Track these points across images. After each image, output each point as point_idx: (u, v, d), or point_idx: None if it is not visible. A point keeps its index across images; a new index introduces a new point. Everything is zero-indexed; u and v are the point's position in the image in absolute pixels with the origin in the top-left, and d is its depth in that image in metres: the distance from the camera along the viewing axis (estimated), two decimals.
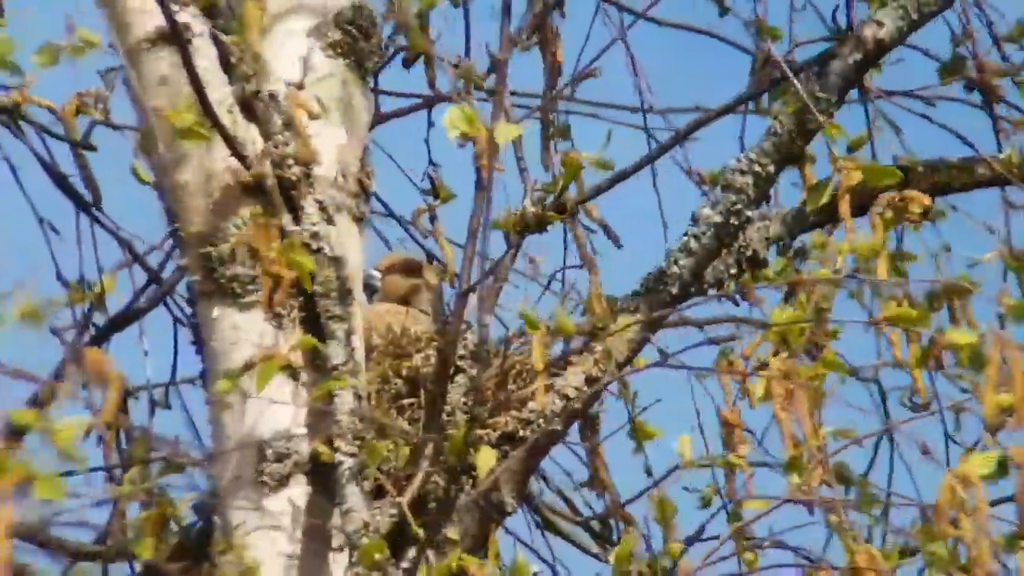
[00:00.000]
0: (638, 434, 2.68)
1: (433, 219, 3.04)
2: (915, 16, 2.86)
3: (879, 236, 2.69)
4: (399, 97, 3.08)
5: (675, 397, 2.84)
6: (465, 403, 2.67)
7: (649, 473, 2.76)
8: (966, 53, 3.00)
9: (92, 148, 2.87)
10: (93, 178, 2.91)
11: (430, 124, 3.12)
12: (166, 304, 3.00)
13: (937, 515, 2.41)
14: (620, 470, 2.85)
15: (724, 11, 3.11)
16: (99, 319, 2.92)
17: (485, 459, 2.56)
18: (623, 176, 2.95)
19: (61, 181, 2.90)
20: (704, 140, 3.02)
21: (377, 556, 2.39)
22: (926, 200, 2.71)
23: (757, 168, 2.86)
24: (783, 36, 3.04)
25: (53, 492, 2.26)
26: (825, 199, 2.76)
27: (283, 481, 2.59)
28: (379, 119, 3.03)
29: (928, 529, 2.42)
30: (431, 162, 3.09)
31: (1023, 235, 2.95)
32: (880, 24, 2.88)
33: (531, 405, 2.72)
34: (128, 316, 2.93)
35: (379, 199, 3.04)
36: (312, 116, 2.59)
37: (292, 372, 2.59)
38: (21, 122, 2.86)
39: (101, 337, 2.91)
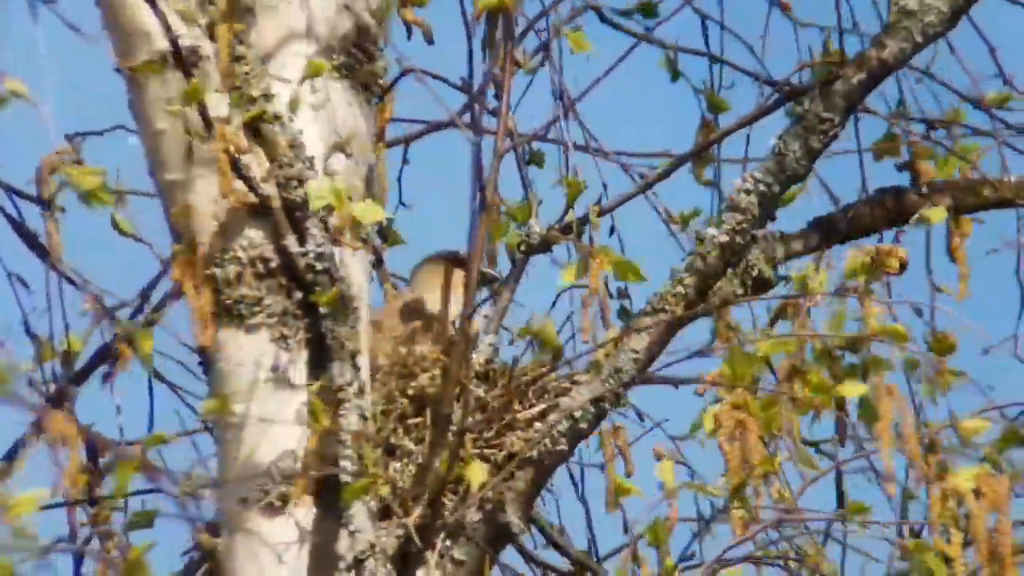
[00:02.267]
0: (616, 491, 2.61)
1: (379, 264, 3.00)
2: (919, 38, 2.82)
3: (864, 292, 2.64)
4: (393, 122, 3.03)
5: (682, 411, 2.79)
6: (471, 422, 2.61)
7: (626, 529, 2.69)
8: (899, 132, 2.96)
9: (59, 208, 2.84)
10: (54, 234, 2.86)
11: (404, 162, 3.08)
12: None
13: (932, 528, 2.35)
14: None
15: (676, 77, 3.08)
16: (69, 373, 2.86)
17: (476, 474, 2.49)
18: (628, 197, 2.92)
19: (30, 239, 2.86)
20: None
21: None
22: (902, 253, 2.68)
23: (762, 188, 2.82)
24: (730, 108, 3.02)
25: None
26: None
27: (290, 503, 2.53)
28: None
29: (921, 544, 2.36)
30: (401, 202, 3.05)
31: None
32: (884, 45, 2.83)
33: (537, 425, 2.66)
34: (90, 368, 2.88)
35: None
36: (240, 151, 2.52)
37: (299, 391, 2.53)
38: None
39: (63, 394, 2.85)
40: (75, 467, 2.25)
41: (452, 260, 2.80)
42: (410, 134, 3.07)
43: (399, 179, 3.10)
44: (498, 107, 2.64)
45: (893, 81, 3.00)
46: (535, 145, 2.98)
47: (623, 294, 2.83)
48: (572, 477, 2.96)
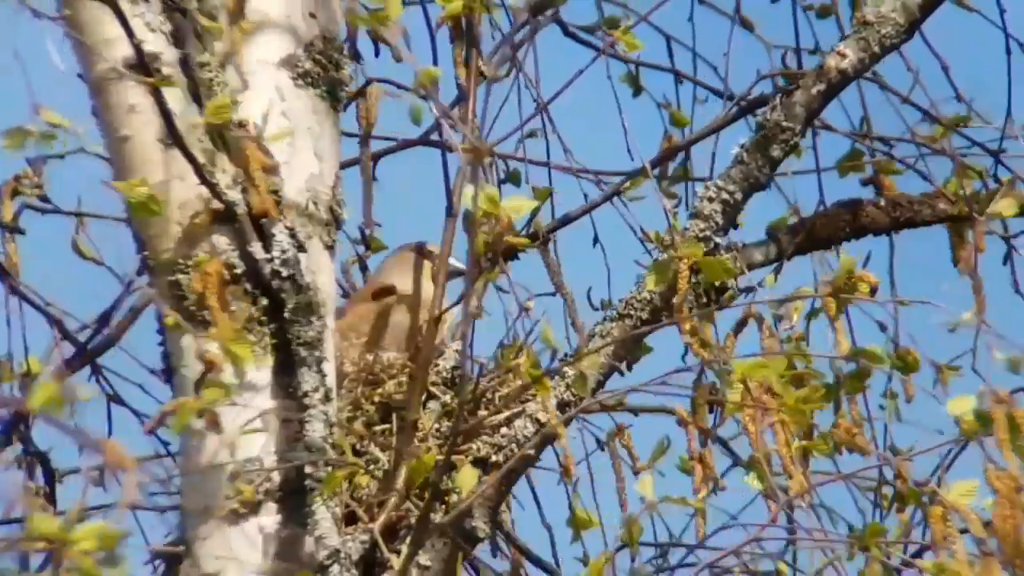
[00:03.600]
0: (575, 522, 2.59)
1: (364, 269, 2.98)
2: (876, 48, 2.83)
3: (836, 319, 2.63)
4: (349, 137, 3.01)
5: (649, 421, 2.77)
6: (438, 429, 2.58)
7: (585, 563, 2.66)
8: (863, 148, 2.97)
9: (20, 231, 2.79)
10: (14, 256, 2.82)
11: (373, 179, 3.05)
12: (98, 380, 2.90)
13: (935, 544, 2.33)
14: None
15: (638, 91, 3.07)
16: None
17: (466, 479, 2.46)
18: (593, 206, 2.91)
19: None
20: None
21: None
22: (873, 279, 2.68)
23: (725, 196, 2.81)
24: (690, 123, 3.04)
25: None
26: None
27: (254, 509, 2.49)
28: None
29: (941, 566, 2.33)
30: (364, 218, 3.03)
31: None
32: (843, 55, 2.84)
33: (503, 431, 2.63)
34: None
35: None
36: (266, 169, 2.50)
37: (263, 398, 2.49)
38: None
39: (21, 415, 2.80)
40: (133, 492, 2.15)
41: (421, 251, 2.77)
42: (378, 151, 3.05)
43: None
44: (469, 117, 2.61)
45: (853, 92, 3.01)
46: (511, 163, 2.97)
47: (605, 305, 2.82)
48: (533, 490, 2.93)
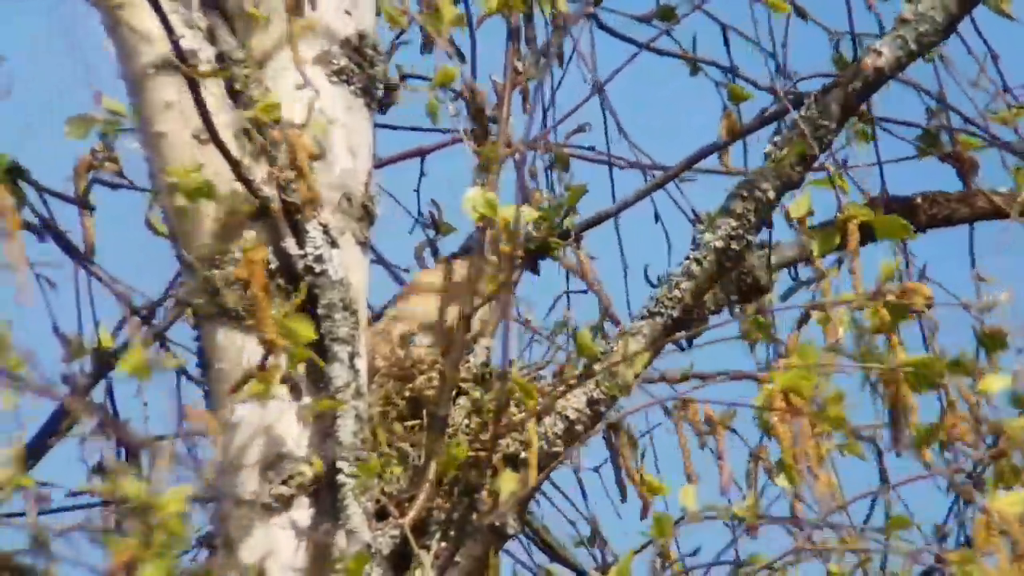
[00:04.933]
0: (647, 488, 2.55)
1: (435, 252, 2.96)
2: (914, 46, 2.78)
3: (891, 336, 2.57)
4: (395, 130, 3.00)
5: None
6: (467, 425, 2.56)
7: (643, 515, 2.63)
8: (942, 125, 2.93)
9: (91, 207, 2.78)
10: (91, 231, 2.81)
11: (422, 174, 3.03)
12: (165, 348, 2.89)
13: (976, 551, 2.27)
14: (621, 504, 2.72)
15: (695, 71, 3.03)
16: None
17: (507, 483, 2.45)
18: (625, 206, 2.88)
19: (58, 236, 2.80)
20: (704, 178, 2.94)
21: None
22: (928, 291, 2.63)
23: (758, 193, 2.77)
24: (752, 96, 2.98)
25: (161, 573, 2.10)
26: (832, 245, 2.65)
27: (287, 503, 2.49)
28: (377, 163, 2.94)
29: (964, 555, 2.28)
30: (420, 213, 3.01)
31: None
32: (879, 53, 2.80)
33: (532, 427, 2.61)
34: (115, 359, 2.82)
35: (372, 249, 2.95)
36: (313, 157, 2.49)
37: (296, 393, 2.48)
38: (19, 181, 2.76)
39: (90, 386, 2.80)
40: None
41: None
42: (424, 147, 3.03)
43: (416, 191, 3.06)
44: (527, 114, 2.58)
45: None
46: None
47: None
48: (580, 482, 2.90)
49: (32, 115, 2.67)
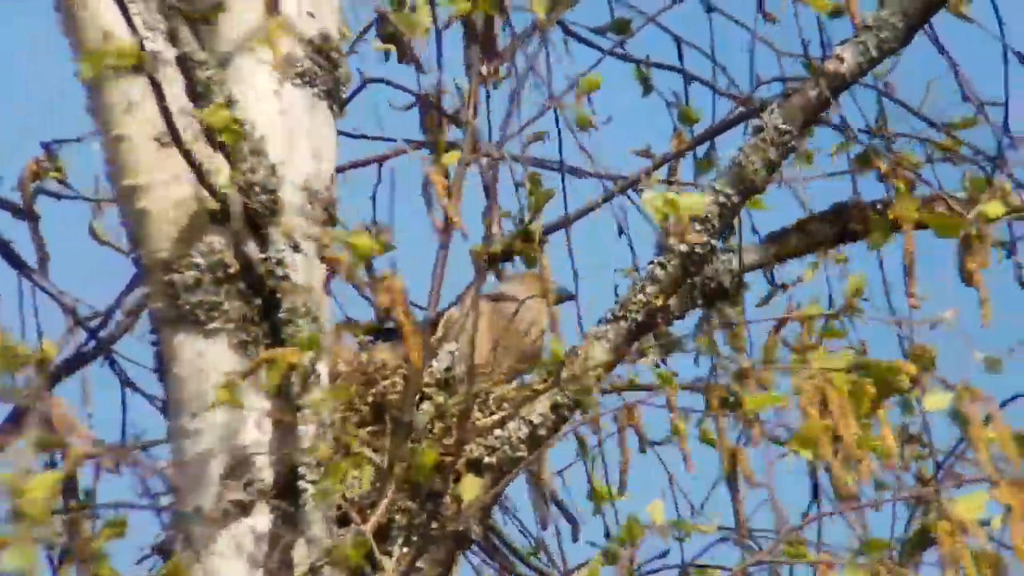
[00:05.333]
0: (595, 496, 2.55)
1: (369, 269, 2.90)
2: (875, 53, 2.79)
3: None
4: (356, 139, 2.97)
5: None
6: (431, 430, 2.54)
7: (608, 535, 2.62)
8: (879, 145, 2.95)
9: (35, 217, 2.74)
10: (41, 242, 2.76)
11: (379, 180, 3.03)
12: (112, 366, 2.86)
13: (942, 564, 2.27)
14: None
15: (648, 90, 3.06)
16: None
17: (470, 488, 2.42)
18: (589, 209, 2.87)
19: (3, 247, 2.76)
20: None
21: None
22: (912, 368, 2.61)
23: (722, 199, 2.77)
24: (701, 118, 3.00)
25: (24, 559, 2.08)
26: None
27: (246, 509, 2.45)
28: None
29: None
30: (374, 221, 3.00)
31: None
32: (841, 59, 2.80)
33: (497, 432, 2.59)
34: (68, 368, 2.78)
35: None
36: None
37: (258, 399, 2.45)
38: None
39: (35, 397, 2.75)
40: (77, 457, 2.14)
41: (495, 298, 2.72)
42: (382, 154, 3.01)
43: (373, 197, 3.04)
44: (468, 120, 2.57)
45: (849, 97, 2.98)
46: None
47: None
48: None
49: (32, 114, 2.62)
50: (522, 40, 2.74)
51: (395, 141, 2.99)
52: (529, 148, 2.84)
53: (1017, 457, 2.37)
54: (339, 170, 2.93)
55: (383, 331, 2.72)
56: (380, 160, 3.03)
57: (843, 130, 2.95)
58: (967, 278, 2.81)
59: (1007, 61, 3.02)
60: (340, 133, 2.76)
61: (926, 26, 2.83)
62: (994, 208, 2.82)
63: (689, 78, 3.06)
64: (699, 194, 2.59)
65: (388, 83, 2.84)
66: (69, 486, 2.55)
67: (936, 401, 2.45)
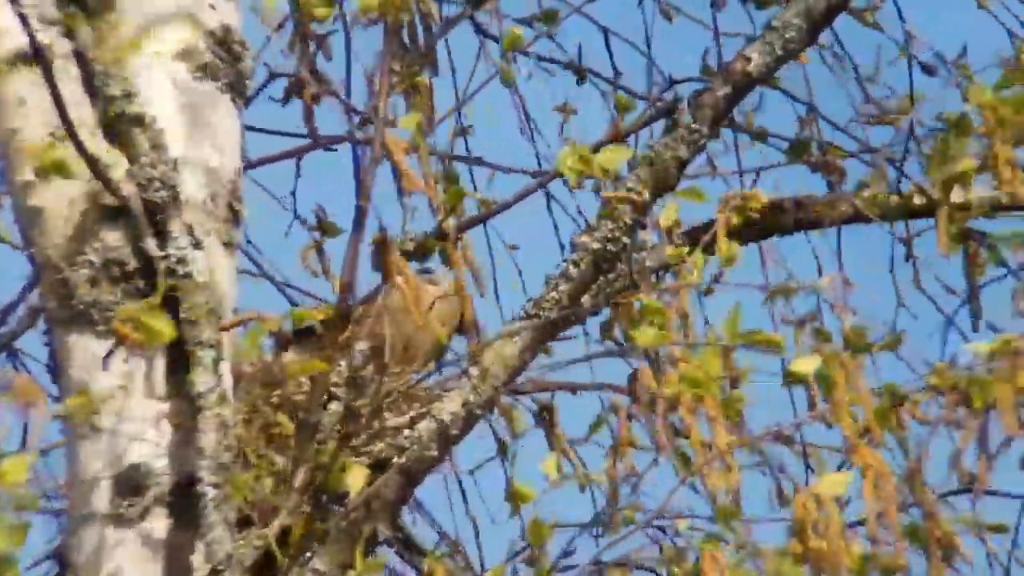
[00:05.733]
0: (514, 497, 2.52)
1: (321, 254, 2.87)
2: (780, 52, 2.81)
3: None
4: (269, 135, 2.92)
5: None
6: (338, 430, 2.49)
7: (524, 535, 2.59)
8: (810, 136, 2.97)
9: None
10: None
11: (298, 175, 2.98)
12: (15, 363, 2.77)
13: (797, 533, 2.30)
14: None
15: (582, 80, 3.03)
16: None
17: (356, 479, 2.37)
18: (505, 206, 2.86)
19: None
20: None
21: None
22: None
23: (634, 196, 2.75)
24: (636, 107, 3.01)
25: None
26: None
27: (143, 514, 2.37)
28: (247, 164, 2.86)
29: (788, 548, 2.30)
30: (296, 217, 2.94)
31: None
32: (748, 59, 2.81)
33: (406, 432, 2.54)
34: None
35: (249, 257, 2.85)
36: None
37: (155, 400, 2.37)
38: None
39: None
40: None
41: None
42: (300, 147, 2.96)
43: (293, 193, 3.00)
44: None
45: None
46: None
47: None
48: (460, 484, 2.85)
49: None
50: (442, 33, 2.71)
51: (308, 137, 2.95)
52: (453, 145, 2.82)
53: (876, 425, 2.41)
54: (255, 165, 2.88)
55: (297, 331, 2.66)
56: (297, 154, 2.98)
57: (751, 132, 2.98)
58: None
59: (911, 66, 3.06)
60: (254, 129, 2.72)
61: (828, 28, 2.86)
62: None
63: (593, 77, 3.06)
64: (615, 148, 2.56)
65: (296, 77, 2.78)
66: None
67: (804, 364, 2.47)
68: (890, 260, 2.93)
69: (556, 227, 3.07)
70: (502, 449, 2.60)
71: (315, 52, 2.74)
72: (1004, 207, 2.85)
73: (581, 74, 3.07)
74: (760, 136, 3.01)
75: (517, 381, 2.65)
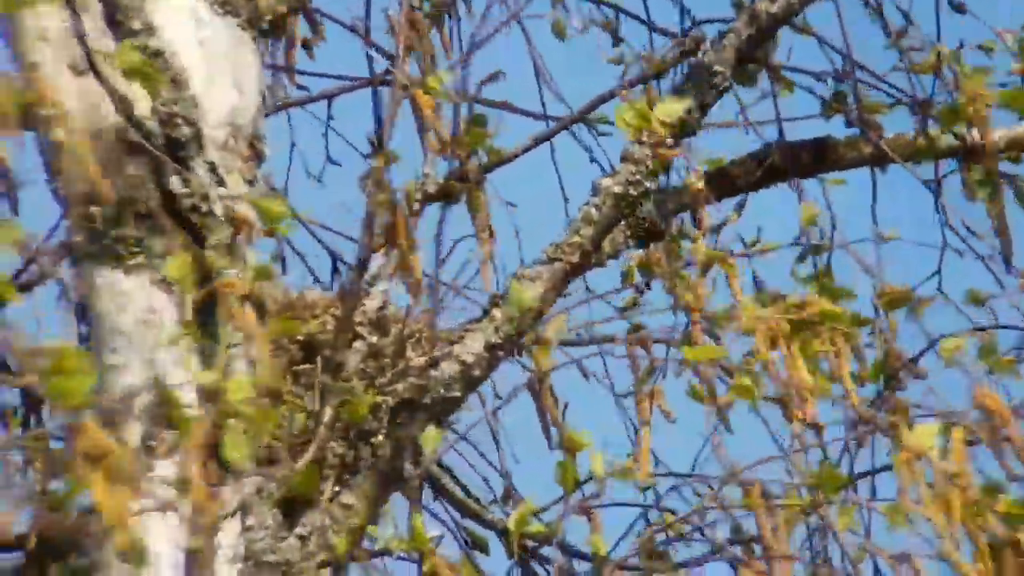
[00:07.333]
0: (569, 444, 2.50)
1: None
2: None
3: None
4: (304, 76, 2.89)
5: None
6: (363, 369, 2.47)
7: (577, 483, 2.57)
8: (847, 88, 2.92)
9: None
10: None
11: (330, 118, 2.95)
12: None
13: (900, 492, 2.27)
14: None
15: (617, 42, 2.99)
16: None
17: (430, 440, 2.38)
18: (525, 150, 2.83)
19: None
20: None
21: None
22: (826, 307, 2.61)
23: (656, 139, 2.72)
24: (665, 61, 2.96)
25: None
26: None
27: (173, 449, 2.37)
28: (281, 106, 2.83)
29: (896, 507, 2.27)
30: (329, 159, 2.90)
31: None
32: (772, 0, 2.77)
33: (430, 372, 2.53)
34: None
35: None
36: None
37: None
38: None
39: None
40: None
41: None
42: (329, 90, 2.94)
43: (325, 135, 2.98)
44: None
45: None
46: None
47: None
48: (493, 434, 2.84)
49: None
50: None
51: (343, 79, 2.93)
52: (481, 90, 2.79)
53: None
54: (287, 107, 2.85)
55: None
56: (329, 97, 2.95)
57: (774, 72, 2.93)
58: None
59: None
60: (285, 69, 2.68)
61: None
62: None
63: (621, 14, 3.02)
64: (672, 99, 2.53)
65: (320, 13, 2.75)
66: None
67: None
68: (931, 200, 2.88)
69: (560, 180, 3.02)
70: (531, 387, 2.58)
71: None
72: None
73: (617, 37, 3.03)
74: (789, 85, 2.96)
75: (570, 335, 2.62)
